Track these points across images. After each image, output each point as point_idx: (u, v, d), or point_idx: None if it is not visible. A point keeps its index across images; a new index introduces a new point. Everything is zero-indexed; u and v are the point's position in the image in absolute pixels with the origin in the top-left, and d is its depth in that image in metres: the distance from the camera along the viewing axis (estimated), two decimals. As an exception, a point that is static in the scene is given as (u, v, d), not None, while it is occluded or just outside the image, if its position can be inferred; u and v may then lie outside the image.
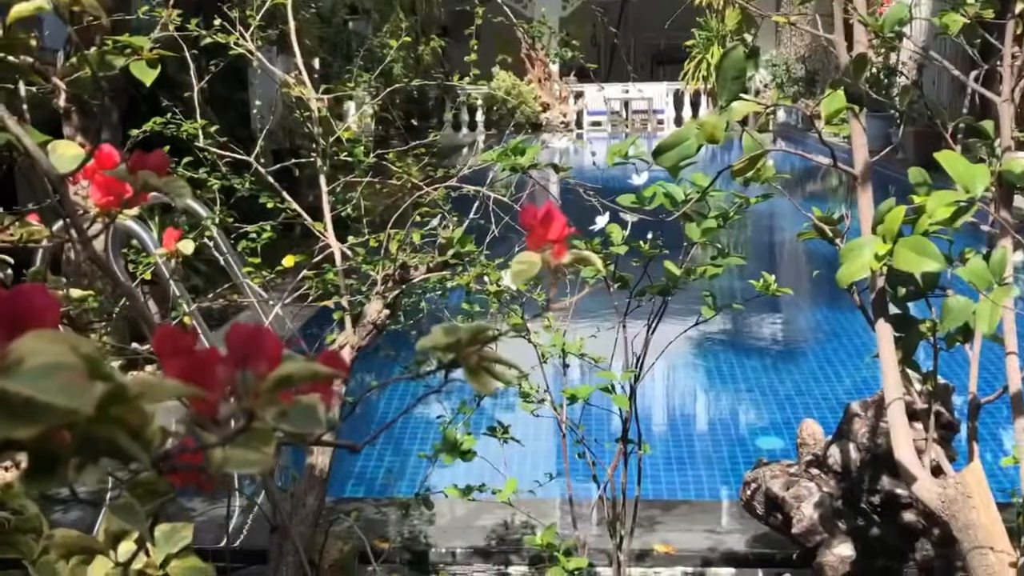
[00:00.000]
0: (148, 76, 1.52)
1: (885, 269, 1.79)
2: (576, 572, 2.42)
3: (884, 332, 1.88)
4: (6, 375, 0.46)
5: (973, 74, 2.13)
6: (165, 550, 1.11)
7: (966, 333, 1.91)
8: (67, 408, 0.45)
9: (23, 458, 0.53)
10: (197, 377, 0.58)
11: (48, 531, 1.13)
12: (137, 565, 1.07)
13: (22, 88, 1.32)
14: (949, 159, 1.73)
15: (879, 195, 1.89)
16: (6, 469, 2.54)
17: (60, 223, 2.00)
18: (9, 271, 1.65)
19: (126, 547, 1.02)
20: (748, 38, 1.89)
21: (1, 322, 0.52)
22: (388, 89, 3.58)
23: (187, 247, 2.07)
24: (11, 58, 1.16)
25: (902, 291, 1.92)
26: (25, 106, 1.33)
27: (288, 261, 2.77)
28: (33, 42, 1.18)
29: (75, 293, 1.66)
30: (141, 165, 1.00)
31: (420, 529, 3.31)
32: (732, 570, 3.13)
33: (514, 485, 2.56)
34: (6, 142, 1.06)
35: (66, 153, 1.05)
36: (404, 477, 4.12)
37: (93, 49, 1.55)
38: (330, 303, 2.54)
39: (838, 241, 2.02)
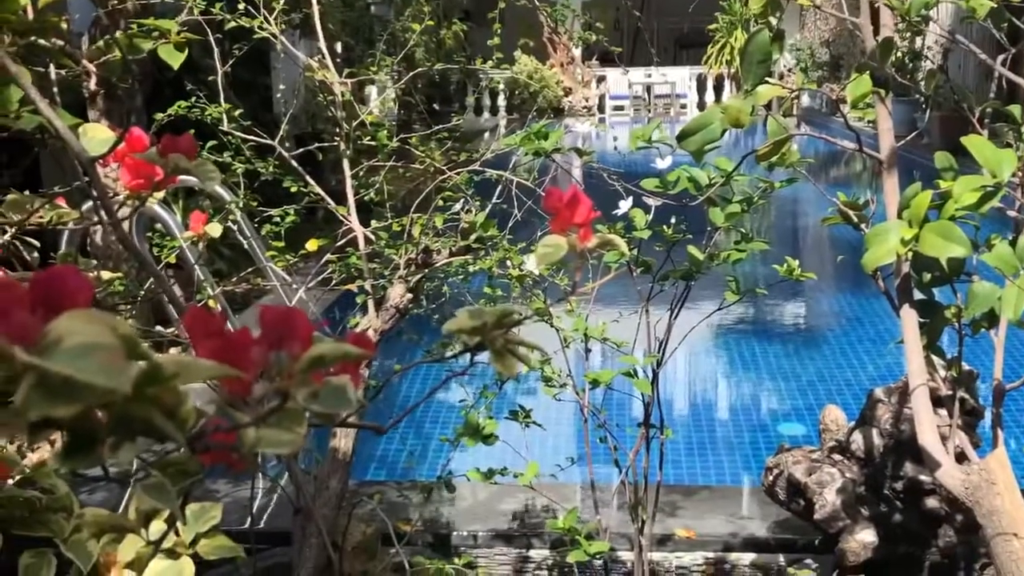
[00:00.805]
0: (176, 59, 1.53)
1: (910, 254, 1.78)
2: (597, 556, 2.43)
3: (909, 318, 1.87)
4: (45, 355, 0.46)
5: (1000, 58, 2.11)
6: (195, 529, 1.13)
7: (991, 319, 1.90)
8: (106, 387, 0.45)
9: (45, 438, 0.54)
10: (230, 358, 0.59)
11: (79, 510, 1.14)
12: (167, 544, 1.09)
13: (52, 71, 1.33)
14: (976, 144, 1.71)
15: (904, 180, 1.88)
16: (33, 450, 2.56)
17: (88, 205, 2.01)
18: (36, 254, 1.66)
19: (157, 526, 1.04)
20: (773, 22, 1.88)
21: (37, 303, 0.52)
22: (411, 73, 3.59)
23: (215, 230, 2.08)
24: (42, 41, 1.17)
25: (927, 276, 1.91)
26: (55, 89, 1.34)
27: (311, 245, 2.78)
28: (64, 25, 1.19)
29: (105, 275, 1.67)
30: (171, 148, 1.01)
31: (442, 512, 3.33)
32: (753, 555, 3.13)
33: (536, 469, 2.56)
34: (38, 124, 1.07)
35: (97, 136, 1.06)
36: (426, 461, 4.14)
37: (119, 33, 1.56)
38: (353, 287, 2.55)
39: (863, 226, 2.02)
